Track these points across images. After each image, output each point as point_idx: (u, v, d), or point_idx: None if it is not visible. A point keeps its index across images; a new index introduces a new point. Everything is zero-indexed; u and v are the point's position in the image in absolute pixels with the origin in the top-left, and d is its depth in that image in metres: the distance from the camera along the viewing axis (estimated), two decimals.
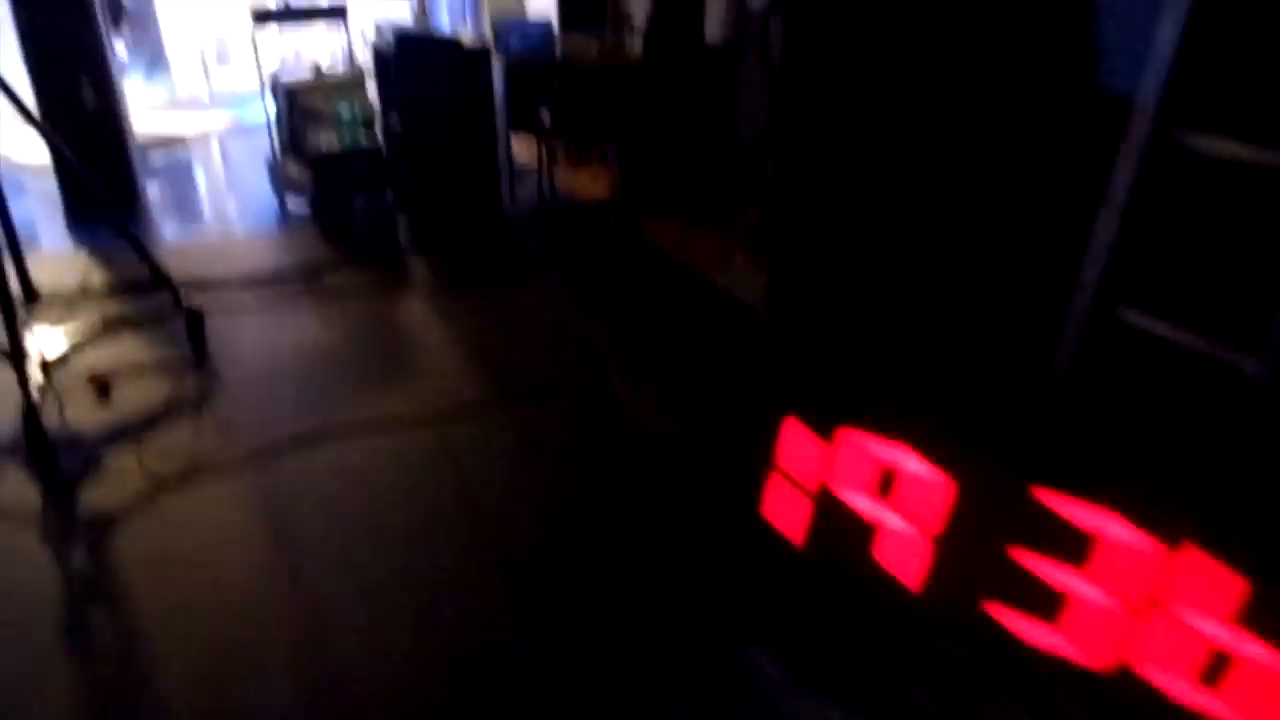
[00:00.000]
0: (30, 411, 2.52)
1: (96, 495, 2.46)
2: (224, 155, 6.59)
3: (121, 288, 3.82)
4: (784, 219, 3.20)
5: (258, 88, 5.12)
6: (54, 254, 4.34)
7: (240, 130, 7.18)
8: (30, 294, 3.42)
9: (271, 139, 5.07)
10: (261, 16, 4.80)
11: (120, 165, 4.69)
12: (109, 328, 3.37)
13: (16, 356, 2.64)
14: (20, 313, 2.74)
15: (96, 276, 3.93)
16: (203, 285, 3.88)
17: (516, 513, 2.36)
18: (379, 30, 4.98)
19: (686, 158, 4.59)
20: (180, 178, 6.01)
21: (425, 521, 2.33)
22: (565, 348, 3.32)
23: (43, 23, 4.22)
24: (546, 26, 5.24)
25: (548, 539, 2.25)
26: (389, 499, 2.43)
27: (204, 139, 6.91)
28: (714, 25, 4.43)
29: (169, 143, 6.67)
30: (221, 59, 9.04)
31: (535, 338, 3.44)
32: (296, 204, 4.96)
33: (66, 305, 3.59)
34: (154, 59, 8.09)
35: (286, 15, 4.95)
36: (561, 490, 2.45)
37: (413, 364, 3.27)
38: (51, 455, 2.54)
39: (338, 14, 5.01)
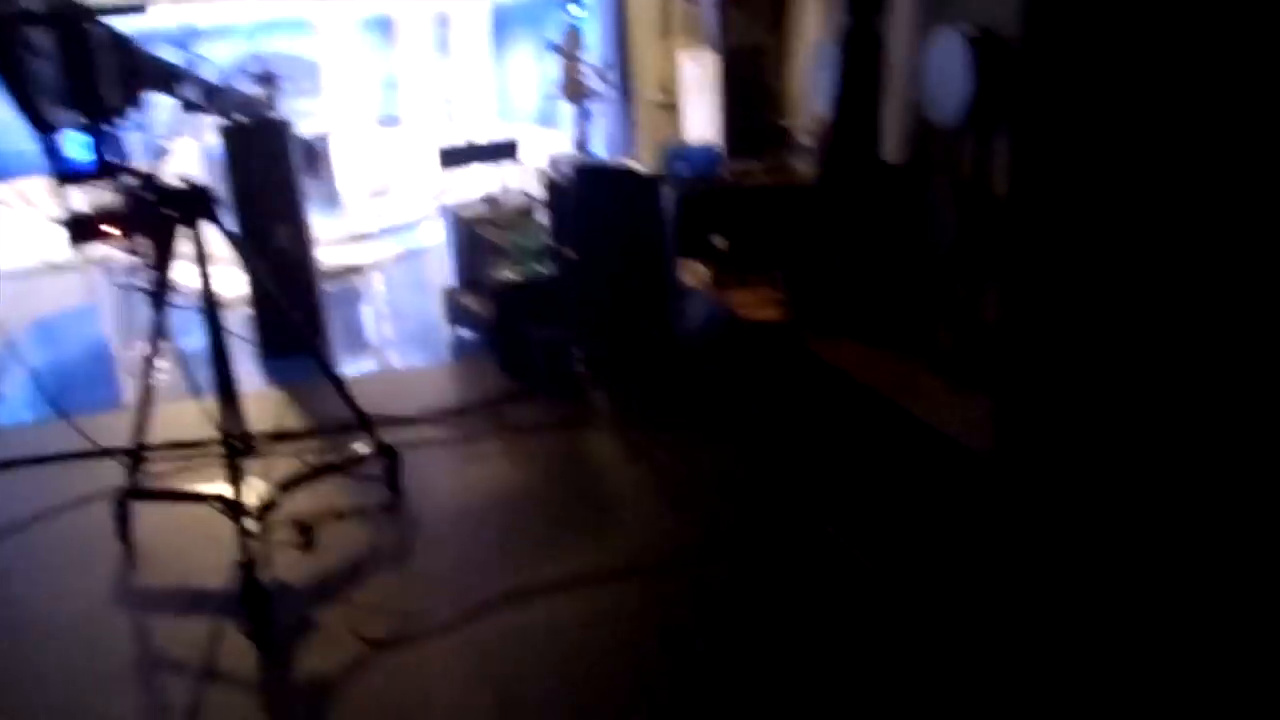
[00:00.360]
0: (248, 567, 2.50)
1: (311, 656, 2.40)
2: (396, 285, 6.83)
3: (316, 425, 3.89)
4: (1021, 354, 2.99)
5: (427, 217, 5.29)
6: (247, 391, 4.49)
7: (410, 260, 7.47)
8: (247, 444, 3.35)
9: (445, 270, 5.20)
10: (442, 155, 4.98)
11: (309, 300, 4.88)
12: (308, 468, 3.40)
13: (236, 509, 2.65)
14: (239, 462, 2.76)
15: (291, 414, 4.02)
16: (387, 420, 3.91)
17: (740, 679, 2.16)
18: (552, 162, 5.10)
19: (865, 278, 4.43)
20: (354, 309, 6.23)
21: (644, 686, 2.16)
22: (761, 486, 3.15)
23: (250, 166, 4.48)
24: (711, 150, 5.26)
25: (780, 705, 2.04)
26: (606, 663, 2.28)
27: (375, 270, 7.21)
28: (893, 143, 4.32)
29: (343, 274, 6.98)
30: (389, 189, 9.57)
31: (728, 475, 3.28)
32: (471, 335, 5.02)
33: (267, 445, 3.66)
34: (328, 193, 8.59)
35: (465, 155, 5.13)
36: (783, 651, 2.25)
37: (608, 507, 3.16)
38: (268, 613, 2.51)
39: (510, 151, 5.16)
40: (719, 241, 4.88)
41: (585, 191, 4.56)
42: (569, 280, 4.66)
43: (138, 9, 2.31)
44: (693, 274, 5.22)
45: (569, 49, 6.76)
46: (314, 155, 5.88)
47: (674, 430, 3.73)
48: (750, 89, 5.38)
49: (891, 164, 4.42)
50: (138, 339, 5.65)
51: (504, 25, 10.22)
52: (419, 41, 10.29)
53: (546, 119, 9.89)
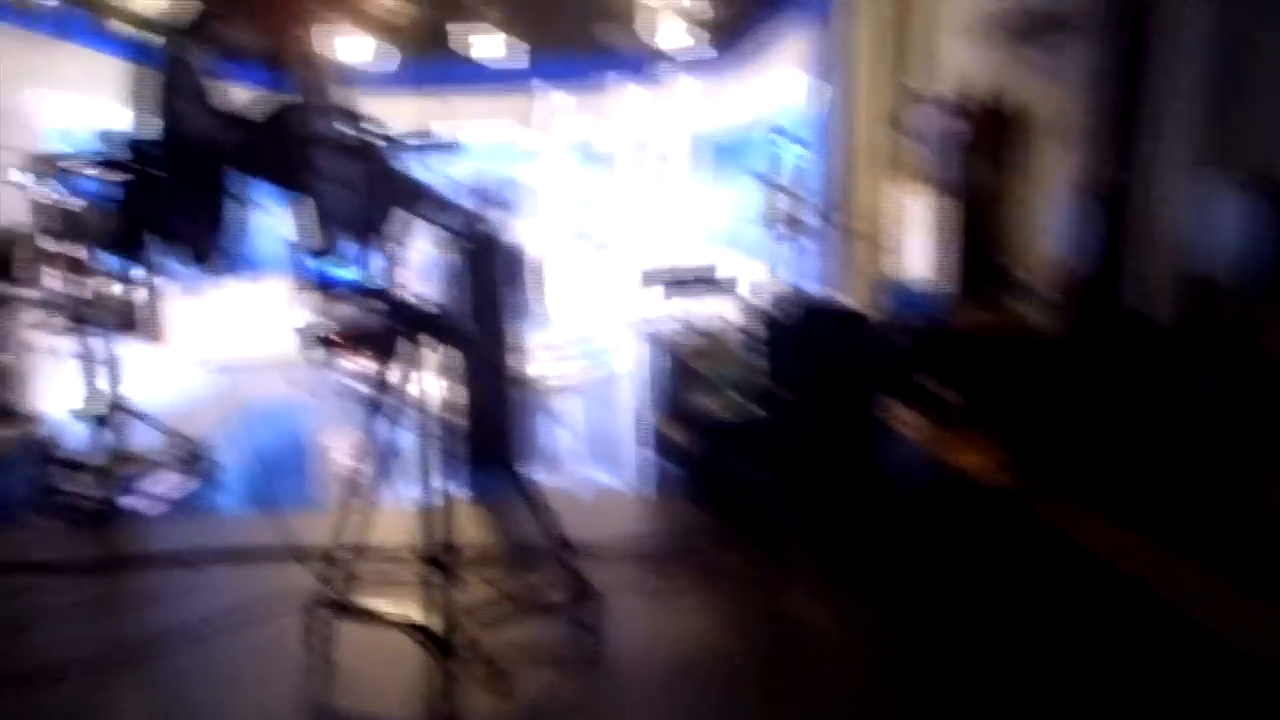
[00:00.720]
0: (440, 705, 2.34)
1: None
2: (590, 404, 6.83)
3: (516, 549, 3.77)
4: None
5: (624, 339, 5.24)
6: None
7: (605, 380, 7.48)
8: (448, 569, 3.19)
9: (640, 393, 5.09)
10: (649, 280, 4.94)
11: (515, 416, 4.89)
12: (507, 602, 3.25)
13: (431, 641, 2.51)
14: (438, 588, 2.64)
15: (490, 532, 3.92)
16: (582, 550, 3.74)
17: None
18: (762, 293, 4.96)
19: (1114, 444, 3.98)
20: (549, 427, 6.22)
21: None
22: (985, 670, 2.75)
23: (476, 282, 4.59)
24: (932, 292, 4.99)
25: None
26: None
27: (571, 388, 7.25)
28: (1153, 297, 3.93)
29: (541, 390, 7.04)
30: (588, 307, 9.76)
31: (946, 652, 2.90)
32: (668, 465, 4.85)
33: (466, 567, 3.56)
34: (533, 309, 8.82)
35: (673, 281, 5.08)
36: None
37: (822, 678, 2.83)
38: None
39: (719, 281, 5.07)
40: (939, 389, 4.55)
41: (797, 326, 4.38)
42: (777, 419, 4.44)
43: (449, 148, 2.35)
44: (906, 421, 4.89)
45: (777, 179, 6.73)
46: (530, 273, 6.03)
47: (887, 594, 3.37)
48: (978, 231, 5.10)
49: (1151, 321, 4.01)
50: (347, 441, 5.85)
51: (709, 154, 10.43)
52: (626, 166, 10.64)
53: (748, 247, 9.92)
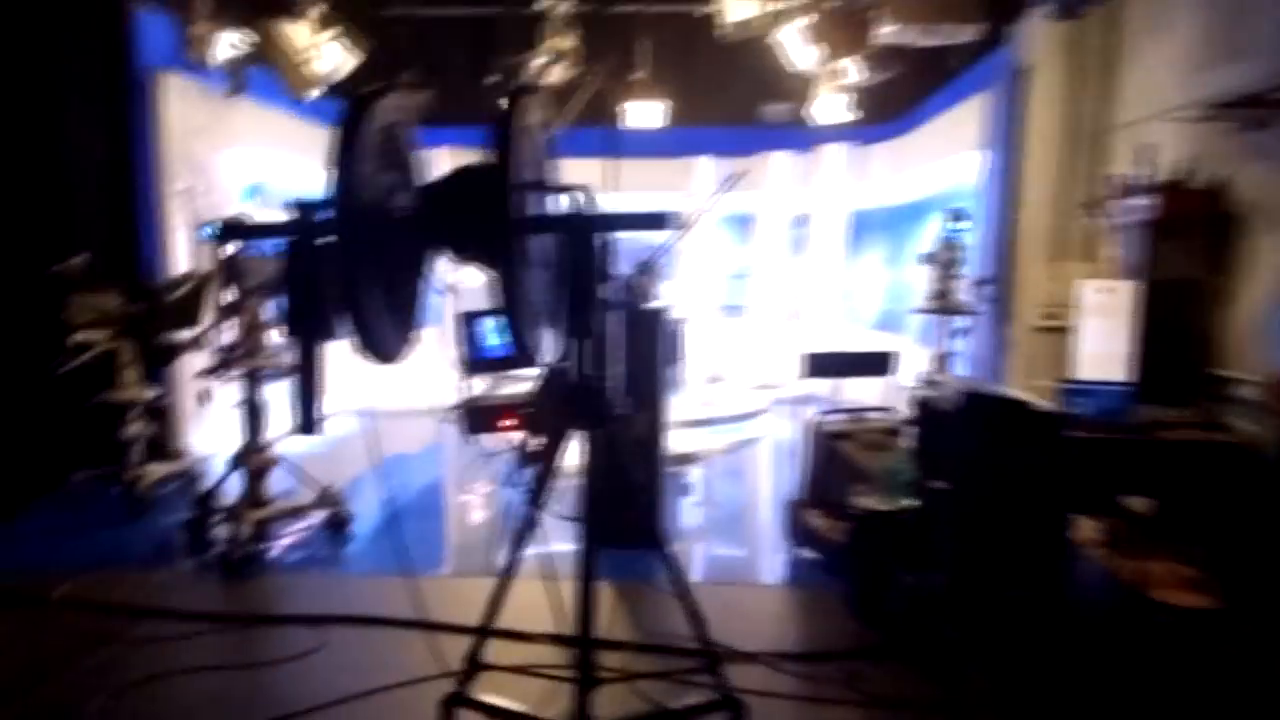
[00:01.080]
0: None
1: None
2: (725, 478, 6.56)
3: (643, 635, 3.54)
4: None
5: (761, 411, 4.97)
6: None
7: (741, 452, 7.21)
8: (591, 675, 2.92)
9: (775, 468, 4.81)
10: (808, 361, 4.68)
11: (657, 490, 4.70)
12: (648, 711, 3.01)
13: None
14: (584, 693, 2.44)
15: (624, 619, 3.71)
16: (724, 650, 3.47)
17: None
18: (926, 380, 4.63)
19: None
20: (680, 501, 5.99)
21: None
22: None
23: (629, 352, 4.45)
24: (1120, 390, 4.53)
25: None
26: None
27: (705, 460, 7.01)
28: None
29: (677, 461, 6.83)
30: (726, 377, 9.55)
31: None
32: (813, 556, 4.54)
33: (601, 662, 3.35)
34: (675, 377, 8.68)
35: (831, 362, 4.81)
36: None
37: None
38: None
39: (882, 364, 4.77)
40: (1130, 500, 4.09)
41: (968, 419, 4.02)
42: (941, 519, 4.07)
43: (664, 221, 2.20)
44: (1086, 533, 4.43)
45: (944, 259, 6.39)
46: (676, 342, 5.90)
47: None
48: (1175, 328, 4.63)
49: None
50: (483, 501, 5.79)
51: (869, 230, 10.13)
52: (774, 238, 10.46)
53: (908, 329, 9.51)
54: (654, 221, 2.17)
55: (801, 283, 10.38)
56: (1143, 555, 4.40)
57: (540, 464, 2.54)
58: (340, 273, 1.80)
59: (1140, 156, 4.88)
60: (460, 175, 2.12)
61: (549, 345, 2.24)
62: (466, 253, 2.03)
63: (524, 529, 2.54)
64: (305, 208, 1.90)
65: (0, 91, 5.18)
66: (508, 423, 2.33)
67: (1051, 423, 3.79)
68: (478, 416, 2.32)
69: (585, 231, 2.08)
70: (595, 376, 2.50)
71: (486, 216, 1.93)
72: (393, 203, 2.05)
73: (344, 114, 1.96)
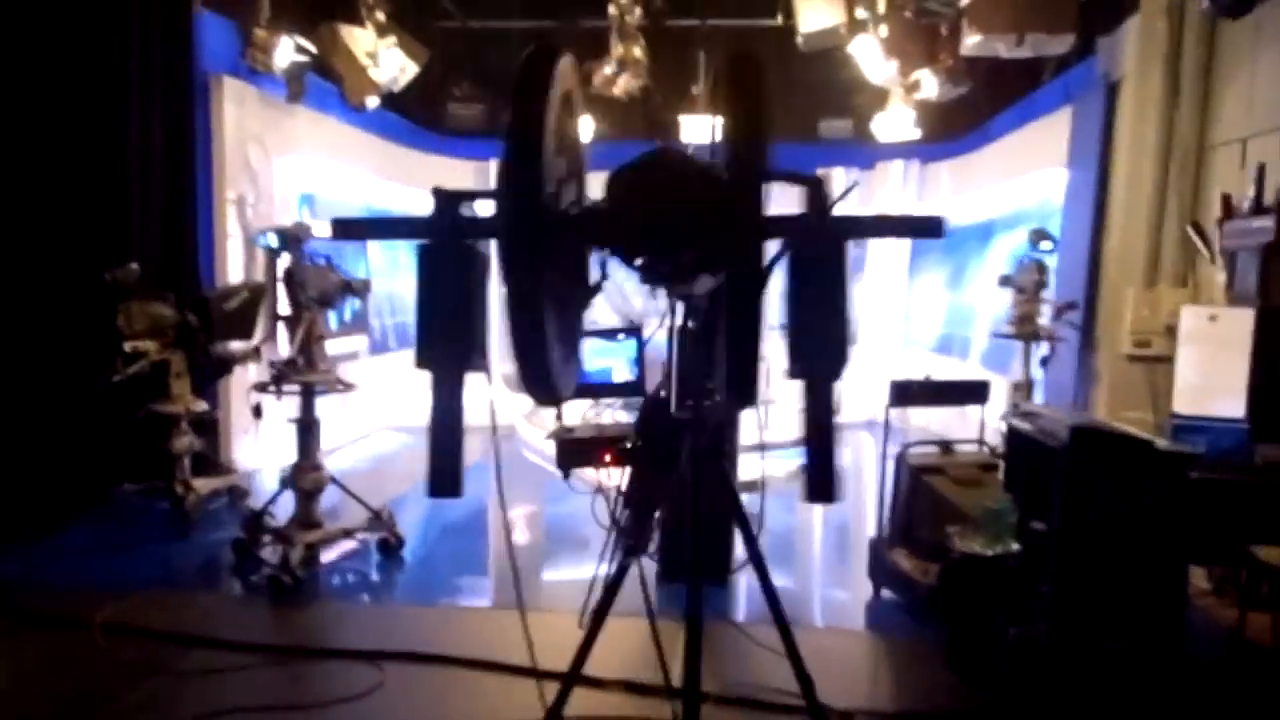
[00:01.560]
0: None
1: None
2: (790, 509, 6.26)
3: (723, 682, 3.26)
4: None
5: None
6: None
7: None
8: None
9: (872, 514, 4.51)
10: (895, 394, 4.38)
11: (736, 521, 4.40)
12: None
13: None
14: None
15: (723, 665, 3.43)
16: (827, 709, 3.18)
17: None
18: (1020, 413, 4.31)
19: None
20: (759, 537, 5.69)
21: None
22: None
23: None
24: (1234, 428, 4.19)
25: None
26: None
27: (767, 486, 6.70)
28: None
29: (750, 492, 6.53)
30: (777, 400, 9.22)
31: None
32: (901, 598, 4.22)
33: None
34: None
35: (919, 392, 4.52)
36: None
37: None
38: None
39: (978, 394, 4.47)
40: (1246, 546, 3.74)
41: (1078, 456, 3.70)
42: (1043, 563, 3.75)
43: (939, 230, 1.85)
44: (1205, 581, 4.09)
45: (1027, 282, 6.06)
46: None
47: None
48: None
49: None
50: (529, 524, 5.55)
51: (920, 251, 9.82)
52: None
53: (951, 349, 9.17)
54: (925, 228, 1.83)
55: (859, 305, 10.06)
56: (1256, 604, 4.05)
57: (637, 504, 2.28)
58: (507, 284, 1.45)
59: (1253, 176, 4.55)
60: (655, 162, 1.66)
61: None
62: (664, 266, 1.68)
63: (619, 573, 2.29)
64: (451, 198, 1.58)
65: (65, 91, 5.06)
66: (607, 458, 2.08)
67: (1177, 463, 3.46)
68: (573, 450, 2.07)
69: (836, 238, 1.75)
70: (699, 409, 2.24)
71: (718, 216, 1.59)
72: (563, 198, 1.65)
73: (524, 71, 1.57)
